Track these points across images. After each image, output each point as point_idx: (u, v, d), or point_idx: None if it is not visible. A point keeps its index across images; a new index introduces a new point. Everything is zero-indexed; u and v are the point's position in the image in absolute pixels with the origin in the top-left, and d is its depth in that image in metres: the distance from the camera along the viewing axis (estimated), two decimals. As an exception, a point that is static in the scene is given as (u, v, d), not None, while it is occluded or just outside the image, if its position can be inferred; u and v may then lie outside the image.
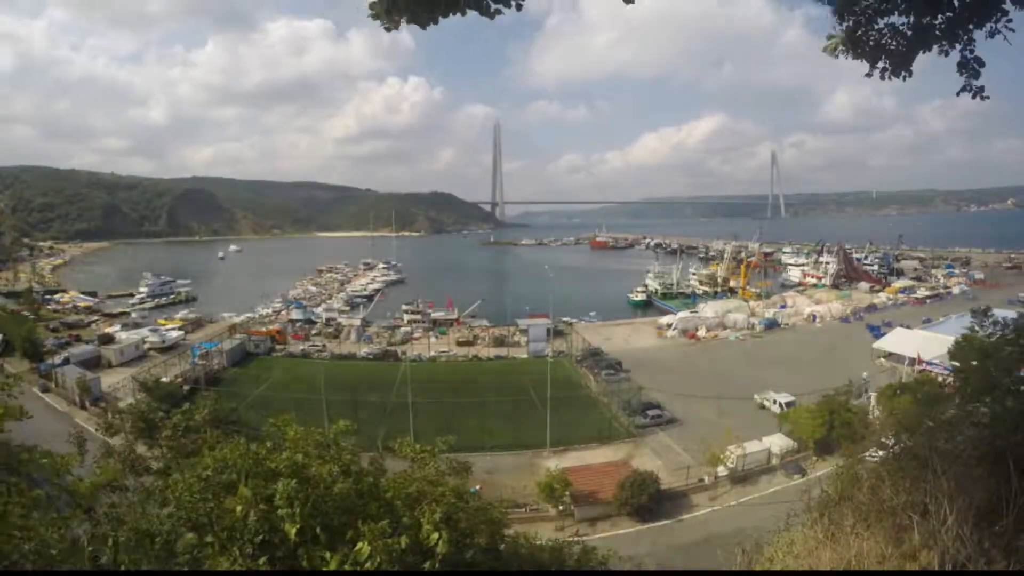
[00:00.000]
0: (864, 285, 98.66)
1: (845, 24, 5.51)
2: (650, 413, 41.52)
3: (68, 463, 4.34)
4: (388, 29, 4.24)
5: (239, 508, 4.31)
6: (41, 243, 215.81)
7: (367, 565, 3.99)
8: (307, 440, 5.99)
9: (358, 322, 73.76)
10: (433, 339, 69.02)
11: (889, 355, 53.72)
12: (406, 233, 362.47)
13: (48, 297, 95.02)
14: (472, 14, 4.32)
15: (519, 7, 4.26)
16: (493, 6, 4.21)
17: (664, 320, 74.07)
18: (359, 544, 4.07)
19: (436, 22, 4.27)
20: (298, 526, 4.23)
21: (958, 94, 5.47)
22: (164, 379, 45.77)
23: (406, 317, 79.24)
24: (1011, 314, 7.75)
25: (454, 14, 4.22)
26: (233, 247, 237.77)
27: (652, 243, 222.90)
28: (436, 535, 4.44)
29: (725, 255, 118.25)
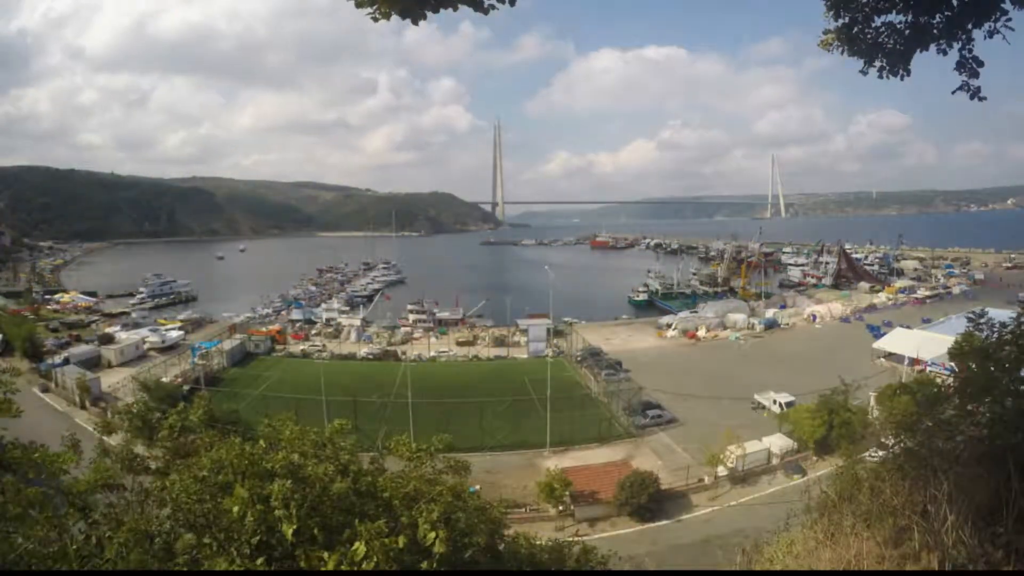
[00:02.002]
0: (864, 285, 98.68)
1: (841, 21, 5.47)
2: (650, 413, 41.51)
3: (64, 462, 4.33)
4: (376, 19, 4.19)
5: (236, 509, 4.29)
6: (41, 243, 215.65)
7: (364, 565, 3.97)
8: (303, 440, 5.98)
9: (358, 322, 73.76)
10: (433, 339, 69.03)
11: (889, 355, 53.70)
12: (406, 233, 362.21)
13: (48, 297, 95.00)
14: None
15: (512, 3, 4.22)
16: (487, 2, 4.17)
17: (664, 320, 74.10)
18: (356, 544, 4.05)
19: (425, 16, 4.24)
20: (295, 526, 4.21)
21: (953, 92, 5.45)
22: (164, 379, 45.75)
23: (411, 316, 79.25)
24: (1010, 314, 7.73)
25: (446, 9, 4.18)
26: (240, 246, 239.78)
27: (652, 243, 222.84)
28: (433, 534, 4.42)
29: (725, 255, 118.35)
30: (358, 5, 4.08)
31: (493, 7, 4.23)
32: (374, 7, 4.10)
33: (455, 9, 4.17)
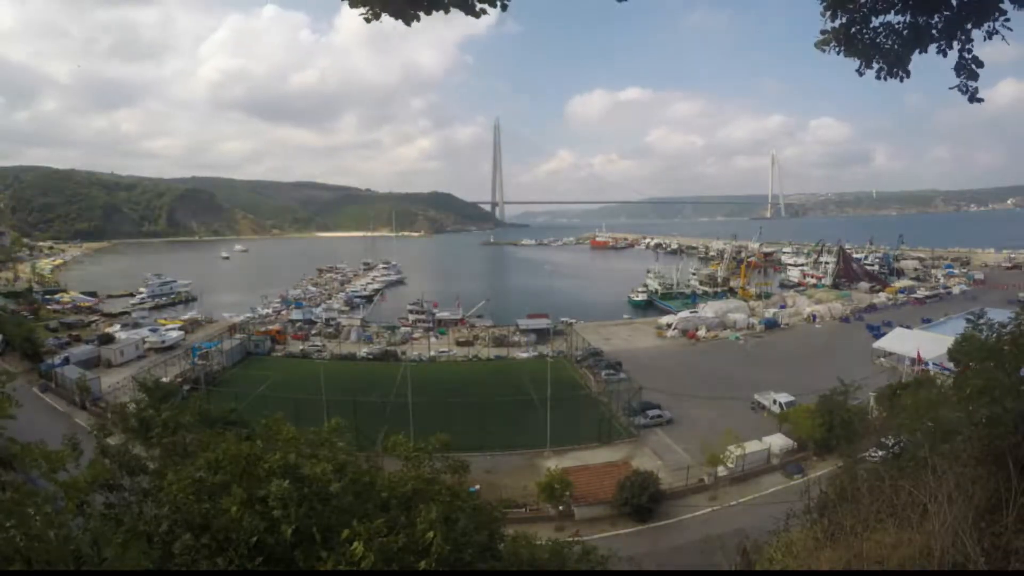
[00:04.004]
0: (864, 285, 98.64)
1: (838, 21, 5.43)
2: (650, 413, 41.49)
3: (62, 459, 4.31)
4: (368, 20, 4.19)
5: (234, 509, 4.28)
6: (41, 243, 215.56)
7: (363, 564, 3.96)
8: (300, 440, 5.96)
9: (358, 322, 73.74)
10: (433, 339, 69.01)
11: (889, 355, 53.69)
12: (406, 233, 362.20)
13: (48, 297, 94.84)
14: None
15: (504, 7, 4.25)
16: (479, 5, 4.20)
17: (664, 320, 74.04)
18: (355, 544, 4.04)
19: (419, 18, 4.25)
20: (293, 526, 4.20)
21: (950, 88, 5.42)
22: (164, 379, 45.68)
23: (411, 317, 79.24)
24: (1010, 314, 7.71)
25: (437, 11, 4.21)
26: (239, 247, 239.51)
27: (652, 243, 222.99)
28: (432, 534, 4.41)
29: (725, 255, 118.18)
30: (352, 5, 4.09)
31: (484, 12, 4.25)
32: (367, 8, 4.11)
33: (446, 12, 4.20)
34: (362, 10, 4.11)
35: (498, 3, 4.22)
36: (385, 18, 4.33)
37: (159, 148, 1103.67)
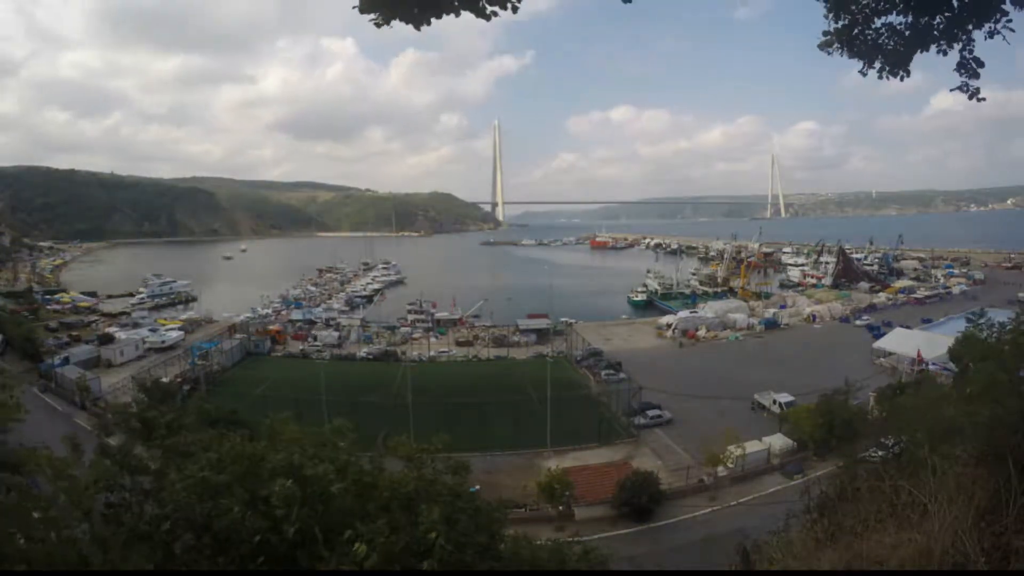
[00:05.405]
0: (864, 285, 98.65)
1: (841, 22, 5.45)
2: (650, 413, 41.50)
3: (67, 466, 4.32)
4: (378, 25, 4.20)
5: (236, 509, 4.30)
6: (41, 243, 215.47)
7: (365, 565, 3.98)
8: (303, 440, 5.97)
9: (358, 322, 73.77)
10: (433, 339, 69.03)
11: (889, 355, 53.73)
12: (406, 233, 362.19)
13: (48, 297, 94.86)
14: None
15: (515, 9, 4.26)
16: (489, 8, 4.21)
17: (664, 320, 74.08)
18: (357, 544, 4.06)
19: (428, 22, 4.27)
20: (296, 527, 4.22)
21: (951, 90, 5.43)
22: (164, 379, 45.72)
23: (410, 317, 79.28)
24: (1010, 314, 7.73)
25: (447, 15, 4.22)
26: (242, 247, 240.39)
27: (652, 243, 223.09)
28: (434, 535, 4.43)
29: (725, 255, 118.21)
30: (362, 11, 4.10)
31: (495, 14, 4.26)
32: (377, 14, 4.12)
33: (456, 15, 4.21)
34: (373, 16, 4.12)
35: (508, 5, 4.23)
36: (425, 51, 4.40)
37: (198, 152, 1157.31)
